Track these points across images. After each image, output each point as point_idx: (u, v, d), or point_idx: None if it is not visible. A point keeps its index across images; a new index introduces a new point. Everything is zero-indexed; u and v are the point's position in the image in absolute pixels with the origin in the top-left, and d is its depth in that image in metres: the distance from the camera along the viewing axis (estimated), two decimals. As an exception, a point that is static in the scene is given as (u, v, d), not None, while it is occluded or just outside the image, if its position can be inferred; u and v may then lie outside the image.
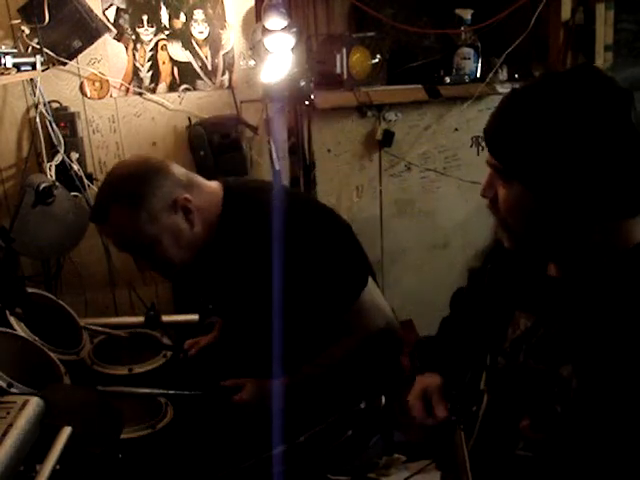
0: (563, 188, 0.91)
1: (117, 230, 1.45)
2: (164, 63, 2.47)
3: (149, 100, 2.48)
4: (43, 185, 2.05)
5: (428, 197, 2.71)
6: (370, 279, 1.59)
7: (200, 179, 1.55)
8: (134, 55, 2.43)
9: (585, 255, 0.97)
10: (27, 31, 2.23)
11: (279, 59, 2.29)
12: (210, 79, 2.51)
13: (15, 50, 2.09)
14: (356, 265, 1.59)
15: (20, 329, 1.65)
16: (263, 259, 1.46)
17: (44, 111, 2.33)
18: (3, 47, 1.95)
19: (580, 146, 0.89)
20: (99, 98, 2.45)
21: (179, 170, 1.50)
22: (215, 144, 2.46)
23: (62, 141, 2.34)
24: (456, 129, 2.66)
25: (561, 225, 0.95)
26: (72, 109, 2.41)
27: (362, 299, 1.54)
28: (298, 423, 1.49)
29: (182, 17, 2.43)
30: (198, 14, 2.44)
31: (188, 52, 2.47)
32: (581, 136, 0.89)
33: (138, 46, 2.43)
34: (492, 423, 1.05)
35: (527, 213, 0.97)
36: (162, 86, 2.49)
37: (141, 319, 2.02)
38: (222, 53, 2.50)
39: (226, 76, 2.52)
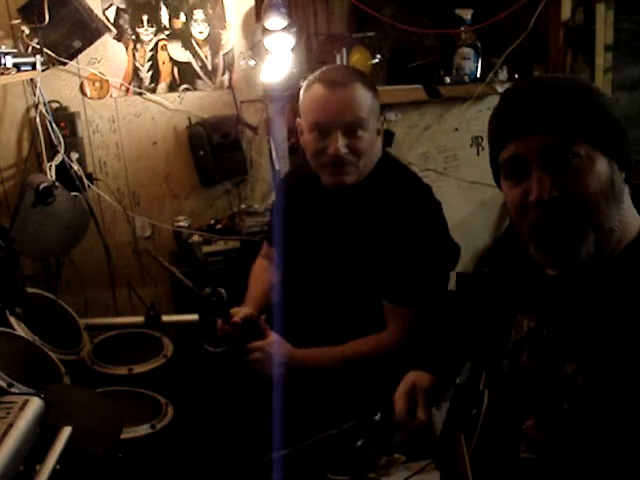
0: None
1: (351, 96, 1.53)
2: (164, 63, 2.47)
3: (149, 100, 2.48)
4: (43, 185, 2.05)
5: (428, 197, 2.71)
6: None
7: None
8: (134, 55, 2.43)
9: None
10: (27, 31, 2.23)
11: (279, 59, 2.30)
12: (210, 79, 2.51)
13: (15, 50, 2.09)
14: (443, 285, 1.62)
15: (20, 329, 1.65)
16: (385, 225, 1.54)
17: (44, 111, 2.33)
18: (3, 47, 1.95)
19: None
20: (99, 98, 2.45)
21: None
22: (215, 144, 2.46)
23: (62, 141, 2.33)
24: (456, 129, 2.66)
25: None
26: (72, 109, 2.41)
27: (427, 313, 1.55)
28: (309, 424, 1.49)
29: (182, 17, 2.43)
30: (198, 14, 2.44)
31: (188, 52, 2.47)
32: None
33: (138, 46, 2.43)
34: (494, 426, 1.05)
35: None
36: (162, 86, 2.49)
37: (141, 319, 2.02)
38: (222, 53, 2.50)
39: (226, 76, 2.52)
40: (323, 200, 1.65)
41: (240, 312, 1.72)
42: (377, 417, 1.50)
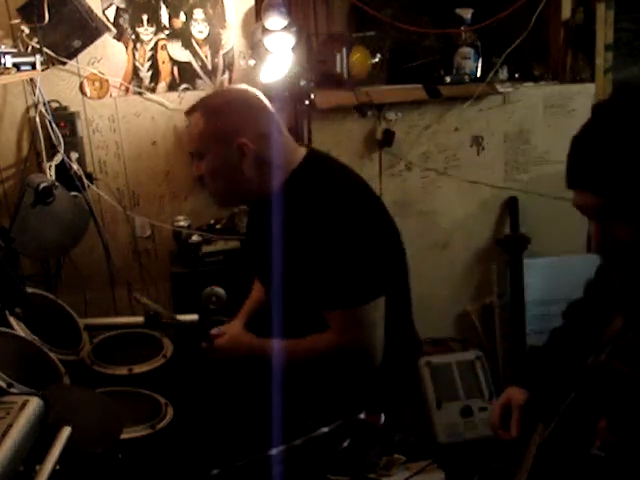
0: None
1: (190, 126, 1.61)
2: (164, 63, 2.47)
3: (149, 100, 2.48)
4: (43, 185, 2.05)
5: (428, 197, 2.71)
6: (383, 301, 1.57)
7: (285, 136, 1.63)
8: (134, 55, 2.43)
9: None
10: (27, 31, 2.23)
11: (279, 59, 2.29)
12: (210, 79, 2.51)
13: (15, 50, 2.09)
14: (376, 277, 1.57)
15: (20, 329, 1.65)
16: (313, 227, 1.51)
17: (44, 111, 2.33)
18: (3, 47, 1.95)
19: None
20: (99, 98, 2.44)
21: (266, 119, 1.59)
22: (215, 144, 2.46)
23: (62, 141, 2.33)
24: (456, 129, 2.66)
25: None
26: (72, 109, 2.41)
27: (367, 310, 1.53)
28: (292, 426, 1.49)
29: (182, 16, 2.43)
30: (198, 13, 2.44)
31: (188, 52, 2.47)
32: None
33: (138, 46, 2.42)
34: (571, 419, 1.05)
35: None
36: (162, 86, 2.48)
37: (141, 319, 2.02)
38: (222, 53, 2.50)
39: (226, 76, 2.52)
40: (258, 213, 1.71)
41: (226, 334, 1.74)
42: (362, 416, 1.50)
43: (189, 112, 1.59)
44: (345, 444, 1.49)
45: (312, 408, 1.57)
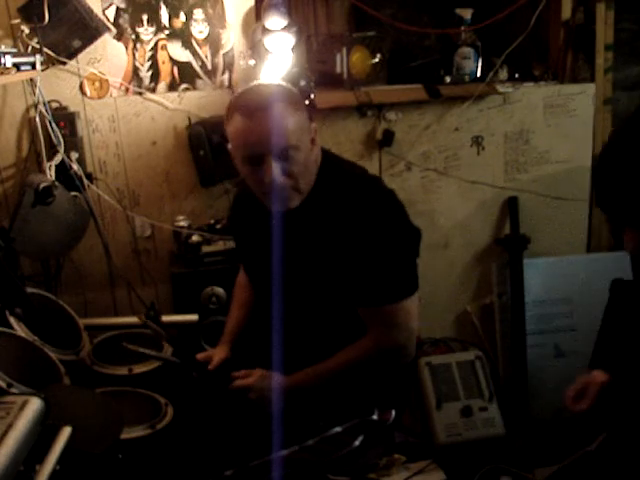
0: None
1: (273, 120, 1.43)
2: (164, 63, 2.47)
3: (149, 100, 2.48)
4: (43, 185, 2.05)
5: (428, 197, 2.71)
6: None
7: None
8: (134, 55, 2.43)
9: None
10: (27, 31, 2.23)
11: (279, 59, 2.29)
12: (210, 79, 2.51)
13: (15, 50, 2.09)
14: (412, 272, 1.58)
15: (20, 329, 1.65)
16: (340, 230, 1.50)
17: (44, 111, 2.32)
18: (3, 47, 1.95)
19: None
20: (99, 98, 2.44)
21: None
22: (215, 144, 2.45)
23: (62, 141, 2.33)
24: (456, 129, 2.66)
25: None
26: (72, 109, 2.41)
27: (403, 306, 1.53)
28: (305, 426, 1.49)
29: (182, 17, 2.43)
30: (198, 13, 2.44)
31: (188, 52, 2.47)
32: None
33: (138, 46, 2.42)
34: (625, 424, 1.08)
35: None
36: (162, 86, 2.48)
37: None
38: (222, 53, 2.50)
39: (226, 76, 2.52)
40: (275, 218, 1.59)
41: (214, 358, 1.71)
42: (375, 416, 1.51)
43: (262, 106, 1.43)
44: (357, 442, 1.49)
45: (326, 408, 1.57)
